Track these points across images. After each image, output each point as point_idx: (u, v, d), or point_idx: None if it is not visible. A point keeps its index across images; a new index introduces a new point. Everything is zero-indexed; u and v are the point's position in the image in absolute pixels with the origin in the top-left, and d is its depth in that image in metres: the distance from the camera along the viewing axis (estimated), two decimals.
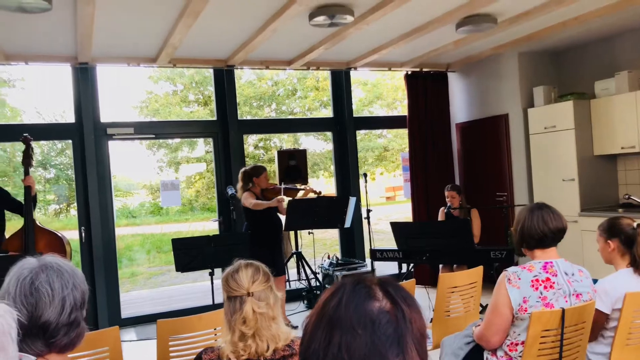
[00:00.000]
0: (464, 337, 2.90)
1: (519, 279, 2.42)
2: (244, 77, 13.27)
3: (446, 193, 5.94)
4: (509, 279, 2.44)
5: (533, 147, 6.25)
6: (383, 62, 6.66)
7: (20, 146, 4.67)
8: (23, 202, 4.66)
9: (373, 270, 5.82)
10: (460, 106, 7.31)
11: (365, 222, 6.13)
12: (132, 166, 13.44)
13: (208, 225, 12.14)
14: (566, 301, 2.42)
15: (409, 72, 7.12)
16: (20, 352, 1.49)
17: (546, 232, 2.46)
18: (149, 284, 10.43)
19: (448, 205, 5.91)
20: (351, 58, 6.46)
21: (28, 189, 4.61)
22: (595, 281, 2.62)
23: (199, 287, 8.50)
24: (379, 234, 6.15)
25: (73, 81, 5.78)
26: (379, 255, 5.47)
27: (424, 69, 7.12)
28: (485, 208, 6.27)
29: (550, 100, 6.15)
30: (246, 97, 13.26)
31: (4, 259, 4.01)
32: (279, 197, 5.19)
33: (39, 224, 4.74)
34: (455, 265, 5.78)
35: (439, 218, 6.15)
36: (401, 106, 14.32)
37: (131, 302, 7.78)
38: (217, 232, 6.50)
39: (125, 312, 6.28)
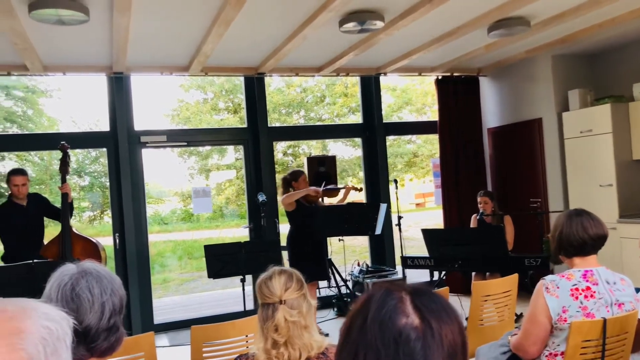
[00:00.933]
0: (499, 347, 2.84)
1: (558, 287, 2.36)
2: (272, 85, 13.36)
3: (479, 199, 5.84)
4: (547, 288, 2.37)
5: (568, 151, 6.11)
6: (413, 67, 6.62)
7: (57, 154, 4.80)
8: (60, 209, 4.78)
9: (404, 277, 5.76)
10: (492, 111, 7.20)
11: (395, 229, 6.08)
12: (163, 173, 13.67)
13: (238, 232, 12.24)
14: (608, 311, 2.34)
15: (440, 77, 7.06)
16: None
17: (586, 239, 2.39)
18: (181, 290, 10.55)
19: (481, 211, 5.81)
20: (381, 63, 6.44)
21: (65, 196, 4.73)
22: (638, 290, 2.53)
23: (230, 293, 8.57)
24: (409, 241, 6.07)
25: (108, 90, 5.92)
26: (410, 262, 5.41)
27: (455, 74, 7.04)
28: (519, 214, 6.14)
29: (586, 104, 6.00)
30: (275, 104, 13.35)
31: (43, 264, 4.11)
32: (311, 187, 5.24)
33: (75, 231, 4.86)
34: (488, 273, 5.67)
35: (472, 225, 6.05)
36: (431, 111, 14.19)
37: (163, 308, 7.88)
38: (248, 239, 6.54)
39: (158, 318, 6.36)
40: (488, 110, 7.25)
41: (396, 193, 5.78)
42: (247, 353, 2.08)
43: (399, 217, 5.70)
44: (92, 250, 4.87)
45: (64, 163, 4.81)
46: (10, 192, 4.85)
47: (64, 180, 4.79)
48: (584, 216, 2.44)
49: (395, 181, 5.90)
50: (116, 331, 1.60)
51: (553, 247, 2.55)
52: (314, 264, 5.25)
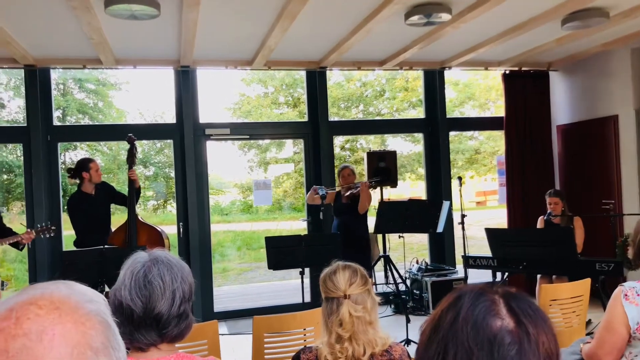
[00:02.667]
0: (570, 355, 2.71)
1: (638, 295, 2.21)
2: (332, 79, 13.37)
3: (547, 199, 5.59)
4: (626, 295, 2.23)
5: None
6: (479, 61, 6.42)
7: (124, 145, 4.99)
8: (127, 195, 4.99)
9: (466, 277, 5.61)
10: (563, 107, 6.88)
11: (456, 227, 5.93)
12: (224, 165, 14.00)
13: (295, 225, 12.35)
14: None
15: (507, 72, 6.81)
16: (136, 343, 1.56)
17: None
18: (239, 279, 10.78)
19: (548, 212, 5.57)
20: (445, 57, 6.28)
21: (132, 182, 4.92)
22: None
23: (287, 285, 8.66)
24: (469, 240, 5.91)
25: (175, 84, 6.09)
26: (472, 262, 5.26)
27: (523, 68, 6.77)
28: (590, 216, 5.84)
29: None
30: (334, 98, 13.35)
31: (112, 250, 4.30)
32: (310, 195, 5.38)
33: (141, 219, 5.05)
34: (554, 277, 5.44)
35: (538, 226, 5.81)
36: (494, 107, 13.76)
37: (222, 296, 8.07)
38: (305, 232, 6.58)
39: (217, 306, 6.51)
40: (558, 106, 6.93)
41: (460, 190, 5.63)
42: (310, 346, 2.08)
43: (463, 216, 5.55)
44: (157, 238, 5.05)
45: (131, 154, 5.00)
46: (79, 183, 5.08)
47: (131, 168, 4.99)
48: None
49: (460, 178, 5.75)
50: (186, 318, 1.63)
51: (633, 252, 2.40)
52: (356, 259, 5.20)
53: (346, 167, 5.68)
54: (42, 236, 4.66)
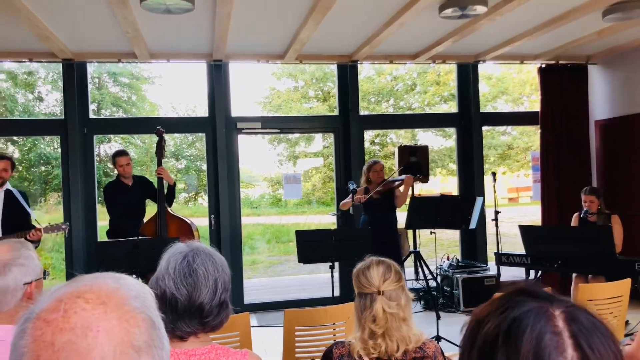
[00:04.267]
0: None
1: None
2: (362, 73, 13.30)
3: (583, 197, 5.44)
4: None
5: None
6: (514, 54, 6.27)
7: (156, 138, 5.06)
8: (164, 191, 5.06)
9: (499, 275, 5.53)
10: (602, 102, 6.67)
11: (489, 223, 5.83)
12: (253, 159, 14.11)
13: (324, 219, 12.38)
14: None
15: (543, 65, 6.64)
16: (177, 331, 1.58)
17: None
18: (269, 272, 10.86)
19: (585, 210, 5.42)
20: (480, 50, 6.16)
21: (160, 180, 4.99)
22: None
23: (315, 278, 8.68)
24: (500, 237, 5.83)
25: (207, 77, 6.13)
26: (504, 259, 5.17)
27: (561, 62, 6.59)
28: (630, 215, 5.65)
29: None
30: (364, 92, 13.28)
31: (145, 241, 4.38)
32: (354, 197, 5.30)
33: (170, 211, 5.12)
34: (590, 276, 5.30)
35: (573, 223, 5.67)
36: (528, 101, 13.47)
37: (252, 289, 8.15)
38: (335, 226, 6.58)
39: (247, 298, 6.57)
40: (597, 101, 6.73)
41: (494, 186, 5.53)
42: (343, 341, 2.07)
43: (496, 212, 5.45)
44: (186, 230, 5.11)
45: (160, 147, 5.06)
46: (118, 173, 5.20)
47: (160, 164, 5.05)
48: None
49: (494, 174, 5.64)
50: (226, 307, 1.65)
51: None
52: (386, 254, 5.16)
53: (378, 162, 5.64)
54: (54, 233, 4.58)
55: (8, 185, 4.58)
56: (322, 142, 13.82)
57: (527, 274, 5.27)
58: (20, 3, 3.95)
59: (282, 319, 2.97)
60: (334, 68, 6.60)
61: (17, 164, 12.23)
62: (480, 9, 4.34)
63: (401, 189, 5.57)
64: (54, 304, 0.68)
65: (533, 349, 0.72)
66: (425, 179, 5.80)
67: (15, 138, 11.42)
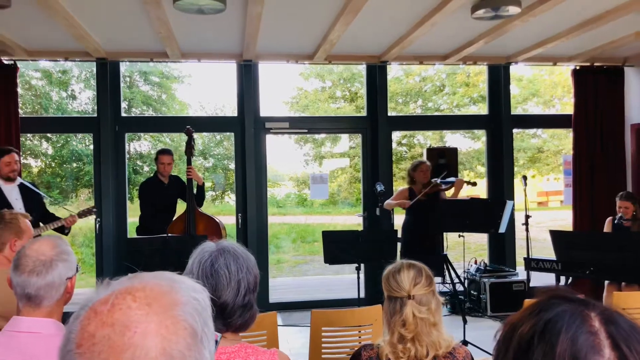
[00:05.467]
0: None
1: None
2: (390, 73, 13.22)
3: (618, 202, 5.31)
4: None
5: None
6: (547, 56, 6.15)
7: (185, 137, 5.13)
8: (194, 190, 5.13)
9: (529, 280, 5.43)
10: (638, 105, 6.49)
11: (517, 227, 5.73)
12: (279, 158, 14.16)
13: (349, 219, 12.35)
14: None
15: (577, 67, 6.49)
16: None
17: None
18: (294, 272, 10.88)
19: (619, 215, 5.29)
20: (512, 52, 6.06)
21: (190, 181, 5.06)
22: None
23: (341, 279, 8.66)
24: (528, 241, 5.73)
25: (237, 77, 6.17)
26: (534, 264, 5.07)
27: (596, 64, 6.44)
28: None
29: None
30: (392, 93, 13.21)
31: (174, 239, 4.44)
32: (404, 201, 5.20)
33: (199, 210, 5.18)
34: (623, 284, 5.16)
35: (605, 229, 5.53)
36: (560, 104, 13.20)
37: (277, 288, 8.17)
38: (360, 227, 6.56)
39: (272, 297, 6.59)
40: (633, 104, 6.55)
41: (524, 190, 5.43)
42: (371, 343, 2.05)
43: (527, 216, 5.36)
44: (214, 228, 5.17)
45: (189, 146, 5.13)
46: (157, 170, 5.29)
47: (189, 162, 5.12)
48: None
49: (525, 177, 5.54)
50: (250, 308, 1.65)
51: None
52: (424, 257, 5.11)
53: (424, 163, 5.54)
54: (87, 217, 4.79)
55: (19, 180, 4.67)
56: (348, 143, 13.79)
57: (558, 280, 5.16)
58: (58, 4, 4.04)
59: (307, 318, 2.97)
60: (361, 68, 6.59)
61: (50, 160, 12.58)
62: (513, 9, 4.28)
63: (451, 192, 5.50)
64: (105, 297, 0.69)
65: (569, 348, 0.70)
66: (475, 183, 5.72)
67: (48, 135, 11.70)
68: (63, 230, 4.66)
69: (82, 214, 4.67)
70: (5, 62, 5.61)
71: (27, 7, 4.14)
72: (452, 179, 5.49)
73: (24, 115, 5.77)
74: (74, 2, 4.16)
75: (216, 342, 0.79)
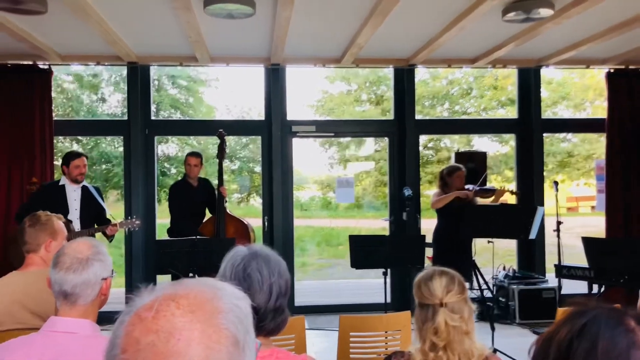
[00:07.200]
0: None
1: None
2: (417, 76, 13.13)
3: None
4: None
5: None
6: (580, 59, 6.03)
7: (212, 139, 5.19)
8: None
9: (560, 288, 5.32)
10: None
11: (547, 234, 5.62)
12: (304, 161, 14.18)
13: (375, 224, 12.28)
14: None
15: (611, 70, 6.34)
16: None
17: None
18: (318, 275, 10.88)
19: None
20: (543, 55, 5.95)
21: (221, 197, 5.12)
22: None
23: (365, 283, 8.60)
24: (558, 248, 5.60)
25: (265, 81, 6.21)
26: (565, 272, 4.97)
27: (631, 66, 6.28)
28: None
29: None
30: (419, 96, 13.10)
31: (203, 241, 4.48)
32: (461, 191, 5.03)
33: (229, 212, 5.24)
34: None
35: None
36: (591, 107, 12.92)
37: (302, 291, 8.17)
38: (386, 231, 6.52)
39: (297, 300, 6.59)
40: None
41: (556, 196, 5.33)
42: (402, 350, 2.03)
43: (559, 222, 5.25)
44: (243, 231, 5.21)
45: (221, 149, 5.20)
46: (185, 172, 5.36)
47: (220, 165, 5.20)
48: None
49: (556, 183, 5.44)
50: (282, 312, 1.66)
51: None
52: (456, 264, 5.04)
53: (461, 169, 5.38)
54: (126, 229, 4.85)
55: (84, 183, 4.81)
56: (373, 146, 13.73)
57: (590, 288, 5.05)
58: (92, 10, 4.13)
59: (332, 322, 2.97)
60: (387, 71, 6.56)
61: None
62: (545, 12, 4.21)
63: (490, 200, 5.41)
64: (150, 303, 0.70)
65: (611, 345, 0.73)
66: (518, 192, 5.59)
67: (79, 137, 11.95)
68: (106, 236, 4.77)
69: (124, 224, 4.75)
70: (41, 66, 5.75)
71: (62, 13, 4.23)
72: (491, 185, 5.41)
73: (57, 118, 5.90)
74: (107, 7, 4.24)
75: (256, 349, 0.78)
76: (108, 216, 4.85)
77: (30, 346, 1.62)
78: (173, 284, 0.74)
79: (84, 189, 4.79)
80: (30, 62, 5.69)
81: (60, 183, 4.76)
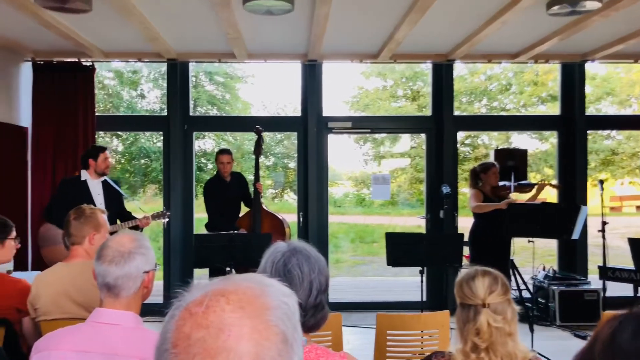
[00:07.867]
0: None
1: None
2: (455, 71, 12.91)
3: None
4: None
5: None
6: (628, 53, 5.81)
7: (248, 135, 5.23)
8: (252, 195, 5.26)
9: (604, 290, 5.15)
10: None
11: (590, 234, 5.44)
12: (338, 157, 14.16)
13: (409, 221, 12.17)
14: None
15: None
16: None
17: None
18: (352, 272, 10.86)
19: None
20: (588, 49, 5.76)
21: (257, 193, 5.15)
22: None
23: (400, 281, 8.56)
24: (600, 248, 5.38)
25: (301, 77, 6.21)
26: (610, 274, 4.81)
27: None
28: None
29: None
30: (456, 92, 12.88)
31: (240, 236, 4.54)
32: (507, 200, 4.93)
33: (264, 207, 5.27)
34: None
35: None
36: (637, 104, 12.45)
37: (336, 287, 8.17)
38: (421, 229, 6.44)
39: (331, 297, 6.58)
40: None
41: (601, 195, 5.15)
42: (442, 351, 2.00)
43: (603, 223, 5.08)
44: (278, 226, 5.25)
45: (258, 145, 5.23)
46: (218, 169, 5.43)
47: (257, 161, 5.22)
48: None
49: (601, 182, 5.26)
50: (322, 309, 1.65)
51: None
52: (495, 263, 4.94)
53: (495, 165, 5.33)
54: (159, 220, 4.88)
55: (104, 176, 4.85)
56: (409, 142, 13.58)
57: (636, 290, 4.87)
58: (135, 8, 4.21)
59: (367, 319, 2.95)
60: (424, 67, 6.47)
61: (120, 157, 13.17)
62: (591, 4, 4.06)
63: (531, 194, 5.31)
64: (200, 298, 0.70)
65: None
66: (560, 186, 5.48)
67: (119, 132, 12.24)
68: (137, 229, 4.84)
69: (156, 217, 4.82)
70: (84, 63, 5.91)
71: (105, 11, 4.33)
72: (527, 181, 5.29)
73: (98, 114, 6.05)
74: (149, 5, 4.31)
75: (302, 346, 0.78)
76: (138, 210, 4.92)
77: (77, 336, 1.66)
78: (223, 278, 0.74)
79: (105, 183, 4.82)
80: (75, 59, 5.85)
81: (82, 178, 4.75)
